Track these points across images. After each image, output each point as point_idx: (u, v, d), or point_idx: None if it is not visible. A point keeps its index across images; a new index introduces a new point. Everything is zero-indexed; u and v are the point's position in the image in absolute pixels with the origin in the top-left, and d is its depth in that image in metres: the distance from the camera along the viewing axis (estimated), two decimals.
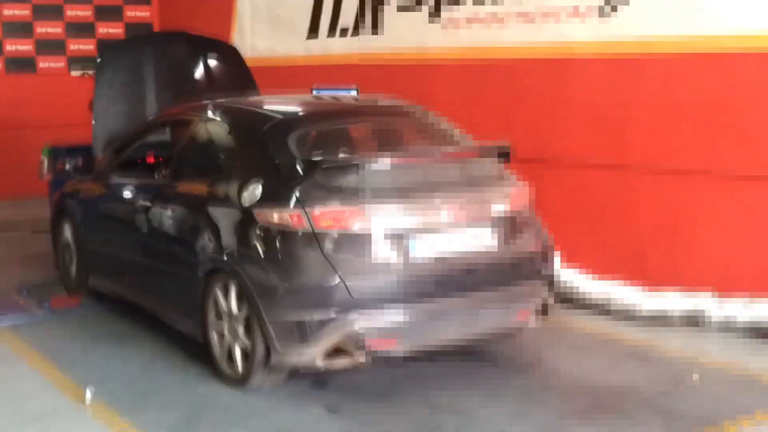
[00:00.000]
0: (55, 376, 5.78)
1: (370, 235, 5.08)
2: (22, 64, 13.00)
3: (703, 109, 6.67)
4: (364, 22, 9.61)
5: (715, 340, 6.38)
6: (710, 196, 6.72)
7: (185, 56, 8.32)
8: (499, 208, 5.57)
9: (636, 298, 6.87)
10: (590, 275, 7.23)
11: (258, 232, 5.24)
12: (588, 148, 7.44)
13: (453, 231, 5.38)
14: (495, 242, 5.53)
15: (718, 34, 6.52)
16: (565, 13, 7.45)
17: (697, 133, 6.72)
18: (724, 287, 6.54)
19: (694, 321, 6.59)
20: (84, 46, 13.40)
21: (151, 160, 7.14)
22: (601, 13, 7.18)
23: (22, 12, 12.92)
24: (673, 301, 6.69)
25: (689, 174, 6.75)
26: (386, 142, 6.59)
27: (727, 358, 6.03)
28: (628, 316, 6.84)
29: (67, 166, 7.55)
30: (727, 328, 6.45)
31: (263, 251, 5.19)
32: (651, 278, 6.93)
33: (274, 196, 5.23)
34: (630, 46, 7.05)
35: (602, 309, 7.01)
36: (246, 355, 5.37)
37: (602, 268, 7.20)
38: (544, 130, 7.77)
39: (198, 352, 5.87)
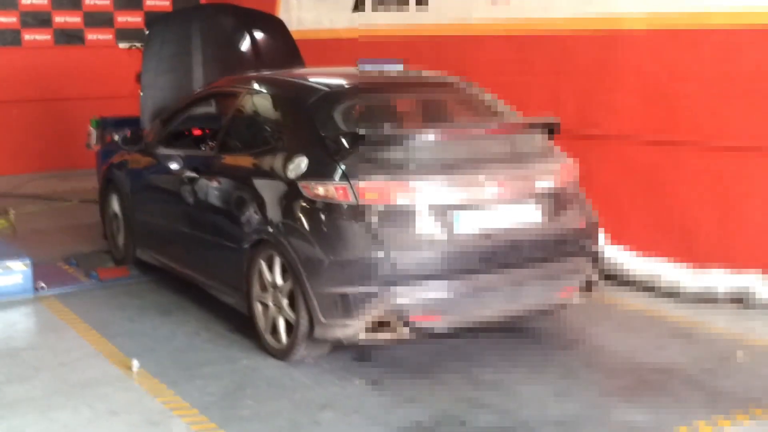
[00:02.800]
0: (103, 345, 5.86)
1: (414, 209, 5.08)
2: (71, 37, 13.10)
3: (757, 83, 6.54)
4: None
5: (761, 319, 6.30)
6: (761, 173, 6.61)
7: (231, 29, 8.34)
8: (544, 184, 5.53)
9: (682, 275, 6.80)
10: (636, 252, 7.16)
11: (303, 204, 5.26)
12: (637, 124, 7.34)
13: (498, 206, 5.35)
14: (540, 218, 5.50)
15: None
16: None
17: (750, 109, 6.60)
18: None
19: (740, 300, 6.52)
20: (132, 18, 13.47)
21: (198, 132, 7.20)
22: None
23: None
24: (720, 280, 6.61)
25: (740, 150, 6.64)
26: (432, 116, 6.57)
27: None
28: (673, 294, 6.78)
29: (116, 138, 7.60)
30: None
31: (308, 224, 5.21)
32: (697, 256, 6.85)
33: (320, 169, 5.24)
34: (683, 18, 6.91)
35: (647, 286, 6.95)
36: (290, 328, 5.40)
37: (649, 246, 7.13)
38: (593, 105, 7.68)
39: (243, 324, 5.92)
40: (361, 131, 5.25)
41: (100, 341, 5.93)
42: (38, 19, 12.79)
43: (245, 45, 8.34)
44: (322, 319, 5.12)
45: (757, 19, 6.48)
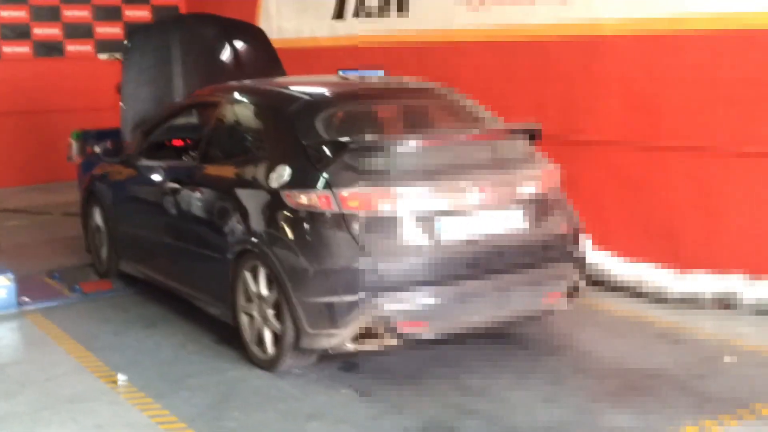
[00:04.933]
0: (87, 359, 5.82)
1: (398, 216, 5.07)
2: (51, 48, 13.05)
3: (737, 87, 6.57)
4: (390, 3, 9.56)
5: (747, 322, 6.32)
6: (743, 176, 6.63)
7: (212, 38, 8.32)
8: (528, 190, 5.54)
9: (667, 280, 6.81)
10: (621, 257, 7.17)
11: (286, 214, 5.24)
12: (619, 128, 7.36)
13: (482, 213, 5.35)
14: (524, 224, 5.51)
15: (754, 11, 6.42)
16: None
17: (732, 113, 6.63)
18: (757, 269, 6.48)
19: (726, 303, 6.53)
20: (111, 29, 13.43)
21: (179, 142, 7.17)
22: None
23: None
24: (705, 283, 6.62)
25: (722, 154, 6.67)
26: (414, 124, 6.56)
27: (759, 340, 5.98)
28: (659, 298, 6.79)
29: (97, 150, 7.56)
30: (760, 310, 6.39)
31: (292, 233, 5.19)
32: (683, 260, 6.86)
33: (302, 178, 5.23)
34: (664, 23, 6.94)
35: (633, 291, 6.95)
36: (276, 338, 5.38)
37: (633, 250, 7.14)
38: (575, 110, 7.70)
39: (229, 335, 5.89)
40: (343, 139, 5.24)
41: (85, 355, 5.89)
42: (17, 32, 12.75)
43: (226, 55, 8.32)
44: (308, 329, 5.10)
45: (737, 23, 6.51)
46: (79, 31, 13.24)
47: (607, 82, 7.44)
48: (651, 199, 7.19)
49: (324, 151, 5.26)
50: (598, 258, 7.11)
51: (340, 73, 6.40)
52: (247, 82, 6.77)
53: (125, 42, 8.33)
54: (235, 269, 5.60)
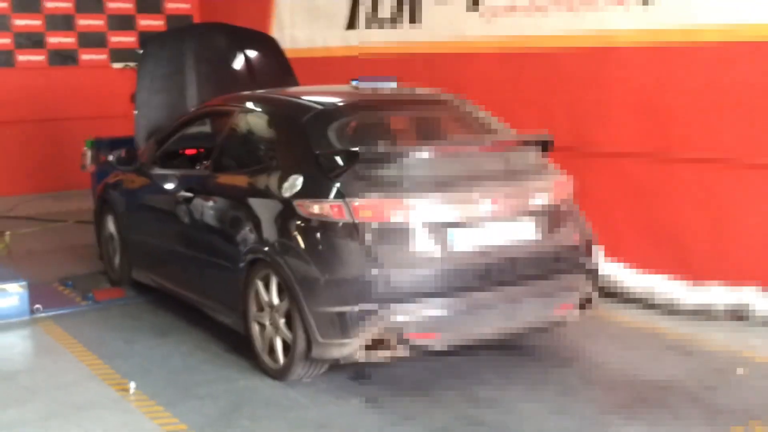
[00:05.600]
0: (99, 367, 5.84)
1: (410, 227, 5.07)
2: (65, 57, 13.11)
3: (746, 97, 6.56)
4: (402, 13, 9.58)
5: (759, 334, 6.29)
6: (755, 186, 6.61)
7: (225, 48, 8.35)
8: (540, 200, 5.53)
9: (679, 291, 6.79)
10: (633, 268, 7.15)
11: (298, 223, 5.25)
12: (631, 139, 7.35)
13: (493, 223, 5.35)
14: (536, 234, 5.50)
15: (761, 23, 6.41)
16: (608, 1, 7.36)
17: (743, 123, 6.61)
18: None
19: (738, 315, 6.51)
20: (126, 38, 13.49)
21: (192, 151, 7.19)
22: (644, 1, 7.08)
23: (64, 5, 13.02)
24: (718, 295, 6.60)
25: (734, 164, 6.65)
26: (426, 133, 6.57)
27: None
28: (671, 309, 6.77)
29: (110, 158, 7.60)
30: None
31: (304, 242, 5.19)
32: (695, 271, 6.84)
33: (315, 188, 5.24)
34: (673, 35, 6.95)
35: (645, 302, 6.94)
36: (287, 348, 5.38)
37: (645, 261, 7.12)
38: (586, 120, 7.69)
39: (240, 344, 5.90)
40: (356, 149, 5.25)
41: (97, 363, 5.90)
42: (32, 40, 12.81)
43: (239, 64, 8.34)
44: (320, 339, 5.10)
45: (746, 34, 6.50)
46: (93, 40, 13.30)
47: (618, 93, 7.43)
48: (663, 210, 7.17)
49: (336, 161, 5.26)
50: (610, 269, 7.09)
51: (353, 82, 6.40)
52: (260, 91, 6.79)
53: (139, 51, 8.36)
54: (247, 278, 5.60)
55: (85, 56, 13.28)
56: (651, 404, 5.09)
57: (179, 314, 6.80)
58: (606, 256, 6.98)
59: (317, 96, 6.28)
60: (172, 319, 6.80)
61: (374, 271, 4.99)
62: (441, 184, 5.23)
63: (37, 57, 12.91)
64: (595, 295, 5.76)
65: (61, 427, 4.93)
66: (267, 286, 5.46)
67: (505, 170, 5.62)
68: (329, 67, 10.33)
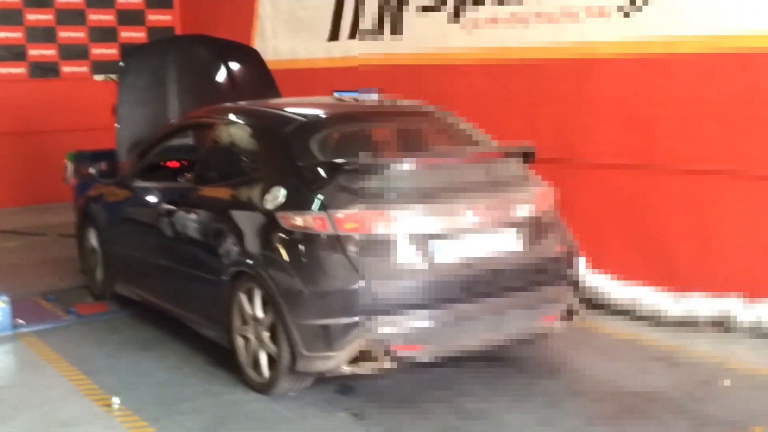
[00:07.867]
0: (83, 382, 5.79)
1: (393, 238, 5.06)
2: (46, 69, 13.06)
3: (729, 108, 6.60)
4: (384, 24, 9.59)
5: (743, 344, 6.31)
6: (739, 196, 6.64)
7: (207, 60, 8.34)
8: (523, 211, 5.53)
9: (663, 301, 6.80)
10: (616, 278, 7.16)
11: (282, 235, 5.23)
12: (613, 149, 7.38)
13: (477, 234, 5.35)
14: (520, 245, 5.50)
15: (743, 34, 6.45)
16: (589, 13, 7.39)
17: (725, 133, 6.65)
18: (753, 291, 6.47)
19: (722, 325, 6.52)
20: (107, 50, 13.45)
21: (174, 164, 7.16)
22: (626, 12, 7.11)
23: (45, 17, 12.97)
24: (701, 305, 6.61)
25: (717, 174, 6.67)
26: (409, 145, 6.57)
27: (756, 362, 5.96)
28: (655, 320, 6.78)
29: (92, 171, 7.56)
30: (756, 332, 6.38)
31: (287, 255, 5.18)
32: (678, 282, 6.86)
33: (298, 200, 5.22)
34: (655, 46, 6.98)
35: (629, 313, 6.94)
36: (272, 361, 5.35)
37: (629, 272, 7.13)
38: (569, 131, 7.71)
39: (224, 358, 5.86)
40: (339, 161, 5.24)
41: (80, 378, 5.86)
42: (12, 52, 12.77)
43: (221, 76, 8.34)
44: (304, 352, 5.08)
45: (729, 44, 6.53)
46: (74, 52, 13.26)
47: (601, 103, 7.46)
48: (646, 220, 7.19)
49: (319, 173, 5.26)
50: (593, 280, 7.10)
51: (335, 94, 6.40)
52: (243, 103, 6.77)
53: (120, 63, 8.33)
54: (231, 291, 5.57)
55: (67, 68, 13.24)
56: (637, 415, 5.09)
57: (163, 328, 6.76)
58: (592, 267, 6.99)
59: (300, 108, 6.28)
60: (155, 333, 6.75)
61: (358, 283, 4.97)
62: (424, 196, 5.22)
63: (18, 69, 12.86)
64: (578, 305, 5.76)
65: None
66: (251, 299, 5.43)
67: (487, 182, 5.62)
68: (312, 78, 10.33)
